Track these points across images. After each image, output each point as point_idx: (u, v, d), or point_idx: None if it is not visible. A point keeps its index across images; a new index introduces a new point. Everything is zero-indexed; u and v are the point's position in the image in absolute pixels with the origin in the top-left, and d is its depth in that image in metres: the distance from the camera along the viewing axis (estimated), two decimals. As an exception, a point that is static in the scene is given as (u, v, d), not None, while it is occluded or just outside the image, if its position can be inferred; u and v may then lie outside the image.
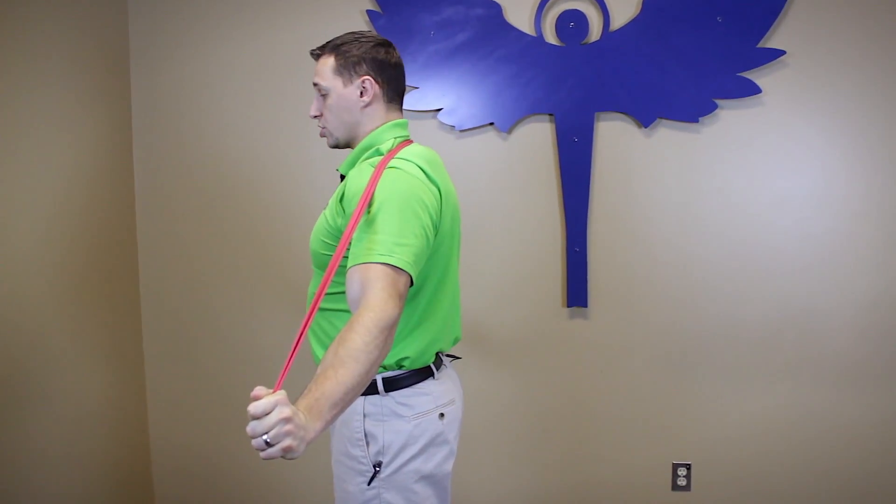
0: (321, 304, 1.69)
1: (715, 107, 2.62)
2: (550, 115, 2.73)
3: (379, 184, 1.52)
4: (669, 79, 2.64)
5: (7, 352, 2.30)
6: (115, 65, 2.87)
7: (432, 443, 1.66)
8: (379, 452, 1.64)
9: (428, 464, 1.66)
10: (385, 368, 1.66)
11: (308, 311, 1.35)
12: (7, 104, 2.30)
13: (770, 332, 2.69)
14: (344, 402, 1.26)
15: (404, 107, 1.81)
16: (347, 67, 1.68)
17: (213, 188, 2.94)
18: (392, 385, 1.66)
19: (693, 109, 2.64)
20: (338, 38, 1.71)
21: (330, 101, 1.70)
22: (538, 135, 2.75)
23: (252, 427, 1.11)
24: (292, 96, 2.87)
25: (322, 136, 1.75)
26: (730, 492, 2.77)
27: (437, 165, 1.67)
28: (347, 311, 1.64)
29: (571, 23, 2.68)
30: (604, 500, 2.85)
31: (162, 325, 3.02)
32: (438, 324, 1.70)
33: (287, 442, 1.11)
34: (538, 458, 2.85)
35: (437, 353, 1.74)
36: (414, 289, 1.62)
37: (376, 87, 1.70)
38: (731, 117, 2.64)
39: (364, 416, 1.65)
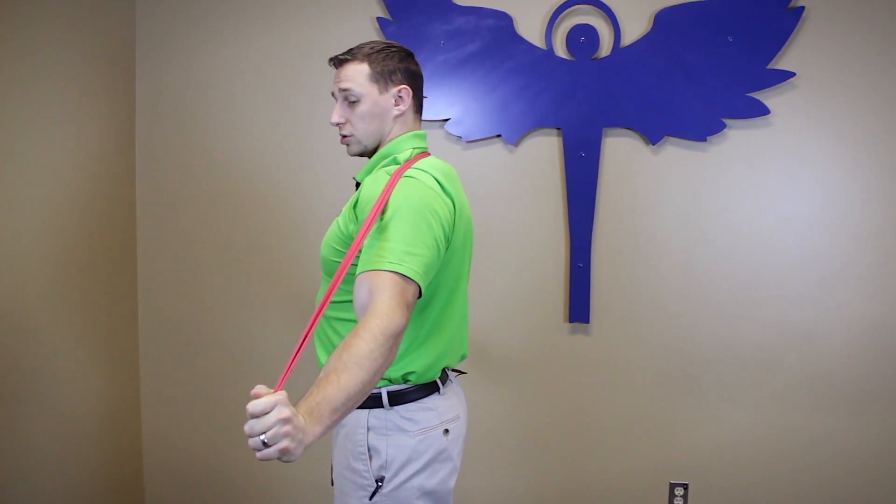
0: (327, 313, 1.67)
1: (723, 126, 2.62)
2: (558, 129, 2.72)
3: (393, 192, 1.51)
4: (678, 97, 2.63)
5: (3, 350, 2.27)
6: (119, 62, 2.84)
7: (436, 459, 1.64)
8: (382, 467, 1.61)
9: (431, 480, 1.64)
10: (390, 382, 1.64)
11: (314, 315, 1.32)
12: (8, 99, 2.28)
13: (771, 353, 2.68)
14: (345, 408, 1.24)
15: None
16: (384, 76, 1.67)
17: (215, 189, 2.92)
18: (397, 399, 1.64)
19: (701, 128, 2.63)
20: (364, 45, 1.68)
21: (362, 108, 1.67)
22: (545, 148, 2.74)
23: (250, 426, 1.08)
24: (298, 99, 2.85)
25: (345, 143, 1.72)
26: (726, 513, 2.76)
27: (453, 179, 1.66)
28: (353, 321, 1.62)
29: (582, 37, 2.67)
30: (599, 517, 2.83)
31: (159, 326, 2.99)
32: (446, 339, 1.69)
33: (285, 443, 1.09)
34: (536, 474, 2.83)
35: (443, 369, 1.72)
36: (423, 302, 1.60)
37: (410, 97, 1.69)
38: (738, 137, 2.64)
39: (368, 429, 1.63)
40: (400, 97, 1.69)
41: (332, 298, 1.65)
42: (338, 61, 1.69)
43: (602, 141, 2.69)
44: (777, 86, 2.59)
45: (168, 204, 2.95)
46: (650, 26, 2.65)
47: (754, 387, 2.69)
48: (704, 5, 2.61)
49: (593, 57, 2.68)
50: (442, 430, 1.66)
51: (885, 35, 2.54)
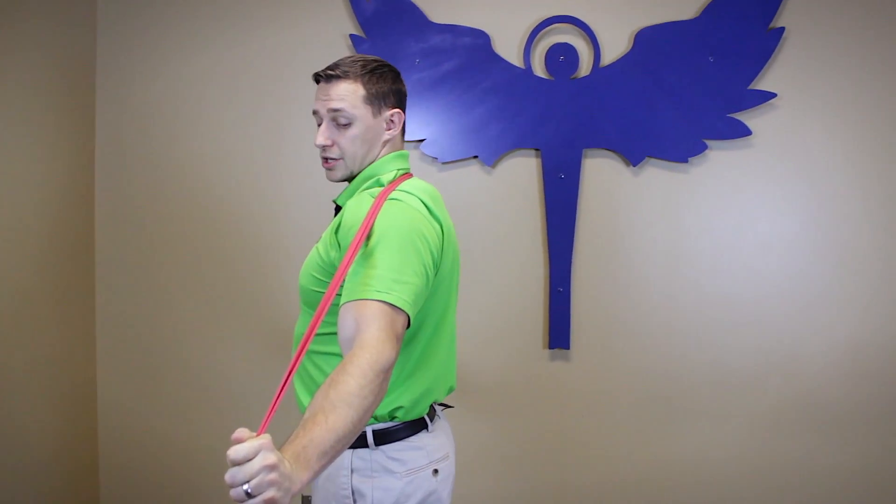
0: (309, 347, 1.56)
1: (705, 147, 2.57)
2: (537, 150, 2.65)
3: (379, 216, 1.41)
4: (659, 117, 2.59)
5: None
6: (79, 84, 2.72)
7: (425, 501, 1.53)
8: (367, 512, 1.50)
9: (421, 525, 1.53)
10: (376, 419, 1.53)
11: (296, 353, 1.21)
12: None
13: (754, 376, 2.62)
14: (334, 451, 1.12)
15: None
16: (379, 98, 1.57)
17: (180, 208, 2.80)
18: (383, 438, 1.53)
19: (683, 149, 2.59)
20: (354, 62, 1.57)
21: (354, 130, 1.56)
22: (523, 170, 2.67)
23: (231, 475, 0.97)
24: (267, 118, 2.75)
25: (328, 167, 1.61)
26: (711, 543, 2.69)
27: (439, 201, 1.56)
28: (338, 355, 1.51)
29: (561, 56, 2.61)
30: (581, 550, 2.74)
31: (119, 352, 2.84)
32: (434, 372, 1.58)
33: (270, 493, 0.97)
34: (514, 506, 2.73)
35: (430, 404, 1.62)
36: (410, 332, 1.50)
37: (402, 122, 1.61)
38: (719, 158, 2.59)
39: (352, 471, 1.52)
40: (392, 121, 1.60)
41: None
42: (326, 77, 1.57)
43: (582, 162, 2.63)
44: (758, 106, 2.55)
45: (130, 224, 2.81)
46: (630, 46, 2.60)
47: (738, 411, 2.64)
48: (685, 25, 2.57)
49: (572, 76, 2.62)
50: (431, 470, 1.55)
51: (865, 55, 2.53)
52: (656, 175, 2.62)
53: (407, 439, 1.55)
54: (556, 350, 2.68)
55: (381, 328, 1.26)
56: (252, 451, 0.98)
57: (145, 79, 2.78)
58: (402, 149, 1.65)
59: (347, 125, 1.55)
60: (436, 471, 1.55)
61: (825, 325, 2.59)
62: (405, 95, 1.65)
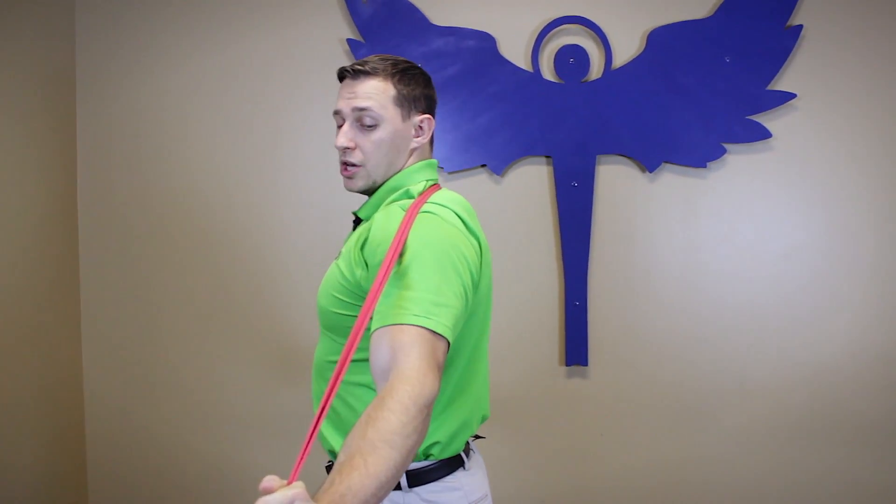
0: (329, 374, 1.40)
1: (724, 151, 2.46)
2: (548, 157, 2.53)
3: (412, 230, 1.26)
4: (675, 121, 2.47)
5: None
6: (59, 90, 2.58)
7: (464, 548, 1.38)
8: (401, 562, 1.35)
9: (460, 576, 1.38)
10: None
11: (329, 386, 1.05)
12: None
13: (779, 389, 2.51)
14: (376, 499, 0.97)
15: None
16: (409, 101, 1.42)
17: (168, 221, 2.66)
18: (417, 479, 1.38)
19: (700, 154, 2.48)
20: (384, 60, 1.42)
21: (381, 134, 1.40)
22: (534, 178, 2.54)
23: None
24: (260, 125, 2.61)
25: (348, 174, 1.45)
26: (738, 565, 2.56)
27: (473, 216, 1.42)
28: (363, 385, 1.36)
29: (571, 58, 2.49)
30: (603, 576, 2.60)
31: (106, 356, 2.69)
32: (471, 402, 1.44)
33: None
34: (532, 532, 2.59)
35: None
36: (446, 360, 1.35)
37: (432, 129, 1.46)
38: (738, 162, 2.49)
39: None
40: (421, 128, 1.45)
41: (334, 358, 1.39)
42: (353, 73, 1.41)
43: (595, 169, 2.50)
44: (777, 108, 2.45)
45: (114, 229, 2.67)
46: (643, 46, 2.49)
47: (763, 426, 2.52)
48: (699, 24, 2.47)
49: (583, 79, 2.50)
50: (470, 512, 1.40)
51: (887, 52, 2.44)
52: (673, 181, 2.50)
53: (443, 479, 1.39)
54: (573, 367, 2.55)
55: (421, 356, 1.11)
56: (285, 502, 0.83)
57: (129, 82, 2.64)
58: (430, 157, 1.51)
59: (373, 127, 1.40)
60: (475, 513, 1.41)
61: (851, 334, 2.49)
62: (435, 103, 1.51)
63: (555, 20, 2.49)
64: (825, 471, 2.51)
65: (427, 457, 1.39)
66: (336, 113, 1.44)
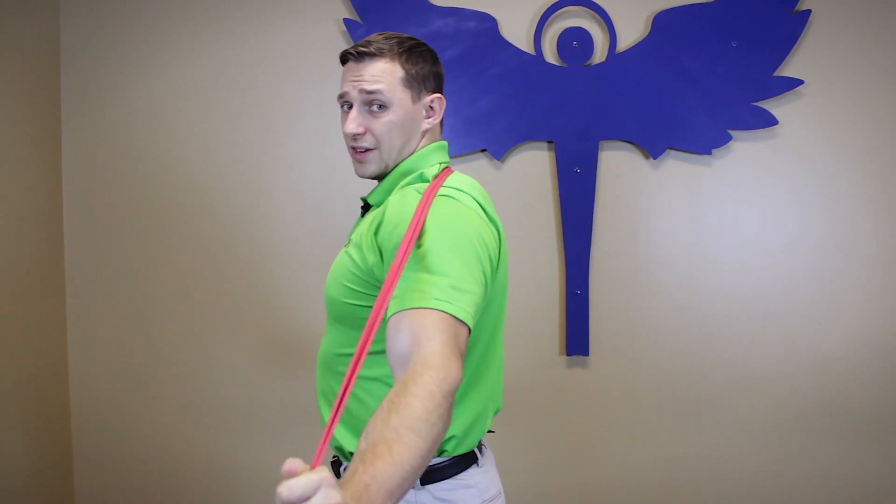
0: (339, 368, 1.34)
1: (729, 138, 2.41)
2: (550, 142, 2.47)
3: (430, 213, 1.19)
4: (680, 106, 2.42)
5: None
6: (45, 99, 2.50)
7: (478, 548, 1.33)
8: (412, 564, 1.28)
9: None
10: None
11: (345, 379, 0.99)
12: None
13: (782, 380, 2.47)
14: (401, 491, 0.90)
15: None
16: (418, 81, 1.35)
17: (160, 209, 2.56)
18: (429, 476, 1.32)
19: (705, 140, 2.43)
20: (388, 38, 1.35)
21: (392, 116, 1.33)
22: (536, 164, 2.48)
23: None
24: (253, 111, 2.53)
25: (360, 159, 1.38)
26: (738, 558, 2.53)
27: (489, 202, 1.36)
28: (374, 380, 1.29)
29: (574, 41, 2.43)
30: (601, 570, 2.56)
31: (92, 350, 2.59)
32: (486, 394, 1.38)
33: None
34: (530, 525, 2.54)
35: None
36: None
37: (442, 109, 1.40)
38: (744, 149, 2.44)
39: None
40: (432, 108, 1.39)
41: (347, 350, 1.32)
42: (358, 55, 1.34)
43: (598, 155, 2.45)
44: (784, 94, 2.40)
45: (100, 226, 2.57)
46: (648, 30, 2.43)
47: (765, 417, 2.48)
48: (705, 8, 2.41)
49: (587, 63, 2.44)
50: (483, 511, 1.35)
51: (893, 38, 2.40)
52: (678, 168, 2.45)
53: (456, 477, 1.33)
54: (573, 357, 2.49)
55: (444, 342, 1.05)
56: (311, 488, 0.75)
57: (115, 63, 2.53)
58: (441, 139, 1.45)
59: (383, 110, 1.33)
60: (488, 512, 1.35)
61: (856, 325, 2.45)
62: (443, 80, 1.44)
63: (558, 1, 2.43)
64: (828, 463, 2.48)
65: (441, 453, 1.33)
66: (341, 97, 1.37)
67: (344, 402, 0.92)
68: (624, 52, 2.44)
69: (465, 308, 1.10)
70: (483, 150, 2.48)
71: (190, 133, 2.54)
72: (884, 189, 2.42)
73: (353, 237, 1.35)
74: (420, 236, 1.17)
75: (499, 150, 2.46)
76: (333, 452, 1.42)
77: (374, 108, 1.33)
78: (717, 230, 2.46)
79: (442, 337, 1.05)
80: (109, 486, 2.62)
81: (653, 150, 2.44)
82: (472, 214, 1.24)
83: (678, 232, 2.46)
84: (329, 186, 2.52)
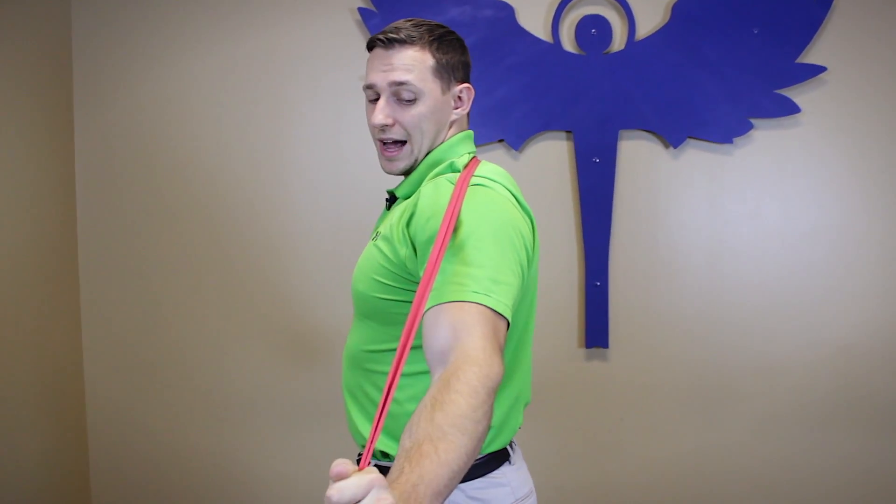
0: (368, 366, 1.32)
1: (750, 126, 2.38)
2: (568, 132, 2.43)
3: (465, 203, 1.16)
4: (701, 95, 2.38)
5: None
6: (57, 92, 2.47)
7: (511, 548, 1.30)
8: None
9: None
10: None
11: (389, 379, 0.96)
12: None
13: (803, 371, 2.44)
14: (447, 491, 0.88)
15: None
16: (449, 70, 1.32)
17: (175, 203, 2.54)
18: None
19: (726, 129, 2.39)
20: (420, 25, 1.32)
21: (421, 108, 1.30)
22: (554, 154, 2.44)
23: None
24: (267, 105, 2.49)
25: (390, 155, 1.34)
26: (759, 550, 2.51)
27: (518, 190, 1.33)
28: (402, 376, 1.26)
29: (593, 29, 2.39)
30: (621, 563, 2.54)
31: (107, 352, 2.58)
32: (517, 388, 1.35)
33: None
34: (549, 519, 2.52)
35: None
36: None
37: (471, 100, 1.37)
38: (765, 138, 2.40)
39: None
40: (460, 98, 1.36)
41: (376, 347, 1.30)
42: (387, 42, 1.30)
43: (617, 144, 2.41)
44: (806, 82, 2.36)
45: (114, 226, 2.55)
46: (667, 17, 2.39)
47: (786, 408, 2.45)
48: (726, -7, 2.37)
49: (605, 51, 2.41)
50: (517, 510, 1.32)
51: (919, 26, 2.36)
52: (698, 157, 2.42)
53: (489, 475, 1.31)
54: (593, 349, 2.47)
55: (485, 336, 1.02)
56: (362, 490, 0.73)
57: (129, 56, 2.50)
58: (468, 128, 1.42)
59: (412, 101, 1.30)
60: (522, 511, 1.33)
61: (877, 315, 2.42)
62: (471, 69, 1.41)
63: (576, -11, 2.39)
64: (848, 453, 2.45)
65: None
66: (368, 87, 1.34)
67: (388, 404, 0.90)
68: (643, 39, 2.40)
69: (503, 301, 1.08)
70: (500, 141, 2.45)
71: (203, 126, 2.51)
72: (908, 177, 2.38)
73: (382, 230, 1.31)
74: (456, 227, 1.14)
75: (516, 140, 2.43)
76: (358, 451, 1.40)
77: (404, 98, 1.29)
78: (737, 220, 2.43)
79: (482, 331, 1.03)
80: (126, 488, 2.61)
81: (673, 139, 2.40)
82: (508, 204, 1.21)
83: (698, 222, 2.43)
84: (345, 179, 2.49)
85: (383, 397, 0.90)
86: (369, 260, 1.30)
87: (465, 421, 0.92)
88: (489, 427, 0.97)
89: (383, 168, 1.37)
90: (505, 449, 1.34)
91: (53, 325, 2.45)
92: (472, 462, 0.92)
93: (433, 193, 1.21)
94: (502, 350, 1.05)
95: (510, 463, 1.34)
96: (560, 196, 2.45)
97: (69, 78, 2.52)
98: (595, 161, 2.41)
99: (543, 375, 2.46)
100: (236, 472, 2.58)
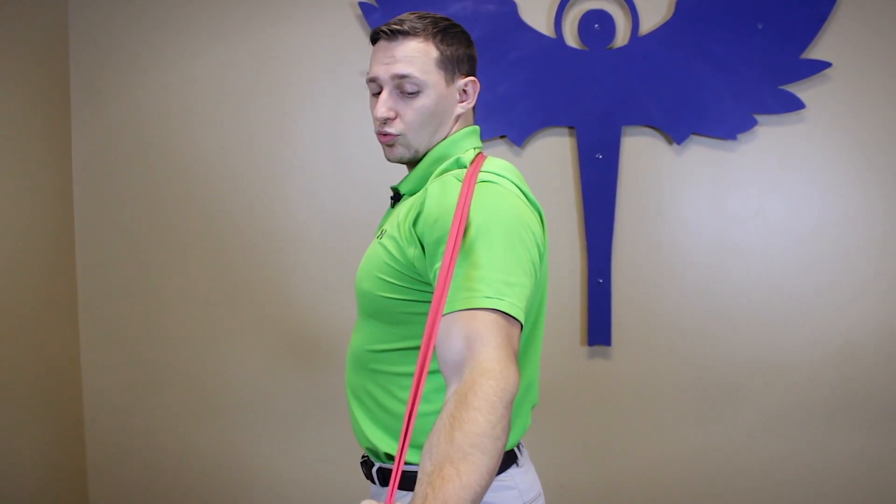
0: (375, 366, 1.29)
1: (755, 123, 2.36)
2: (571, 128, 2.41)
3: (473, 202, 1.14)
4: (705, 91, 2.36)
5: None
6: (54, 93, 2.46)
7: (521, 552, 1.28)
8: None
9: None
10: None
11: (412, 391, 0.95)
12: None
13: (808, 370, 2.42)
14: None
15: None
16: (453, 63, 1.30)
17: (171, 200, 2.51)
18: None
19: (730, 125, 2.37)
20: (424, 17, 1.30)
21: (424, 101, 1.28)
22: (556, 150, 2.43)
23: None
24: (266, 101, 2.48)
25: (387, 143, 1.33)
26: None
27: (526, 185, 1.31)
28: (408, 376, 1.25)
29: (596, 24, 2.37)
30: (623, 562, 2.53)
31: (105, 353, 2.56)
32: (525, 388, 1.33)
33: None
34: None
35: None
36: None
37: (477, 93, 1.35)
38: (769, 134, 2.39)
39: None
40: (465, 92, 1.34)
41: (381, 347, 1.28)
42: (390, 34, 1.29)
43: (621, 141, 2.39)
44: (810, 77, 2.34)
45: (112, 226, 2.53)
46: (671, 12, 2.37)
47: (791, 407, 2.44)
48: (730, -11, 2.35)
49: (609, 47, 2.39)
50: (526, 514, 1.30)
51: (924, 21, 2.34)
52: (702, 154, 2.40)
53: (496, 478, 1.29)
54: (595, 347, 2.45)
55: (499, 345, 1.00)
56: None
57: (126, 64, 2.49)
58: (473, 123, 1.40)
59: (415, 94, 1.28)
60: (531, 514, 1.31)
61: (882, 313, 2.40)
62: (477, 63, 1.39)
63: (579, -17, 2.37)
64: (853, 452, 2.43)
65: None
66: (372, 80, 1.32)
67: (411, 427, 0.90)
68: (647, 35, 2.38)
69: (516, 304, 1.06)
70: (502, 137, 2.43)
71: (201, 123, 2.49)
72: (913, 174, 2.37)
73: (388, 227, 1.29)
74: (465, 228, 1.12)
75: (518, 137, 2.41)
76: (363, 452, 1.38)
77: (407, 91, 1.27)
78: (741, 217, 2.41)
79: (497, 340, 1.01)
80: (123, 486, 2.59)
81: (676, 135, 2.38)
82: (517, 200, 1.19)
83: (702, 219, 2.41)
84: (345, 177, 2.47)
85: (405, 426, 0.90)
86: (374, 258, 1.28)
87: (484, 440, 0.91)
88: (507, 439, 0.96)
89: (385, 156, 1.36)
90: (512, 451, 1.32)
91: (50, 324, 2.43)
92: (493, 478, 0.92)
93: (440, 192, 1.19)
94: (517, 356, 1.04)
95: (518, 465, 1.33)
96: (562, 193, 2.43)
97: (66, 76, 2.49)
98: (598, 157, 2.39)
99: (545, 373, 2.44)
100: (235, 471, 2.56)
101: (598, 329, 2.43)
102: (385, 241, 1.27)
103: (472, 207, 1.13)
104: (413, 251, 1.19)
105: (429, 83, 1.28)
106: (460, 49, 1.32)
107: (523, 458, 1.35)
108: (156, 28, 2.49)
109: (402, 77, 1.27)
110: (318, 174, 2.48)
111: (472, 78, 1.34)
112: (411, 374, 1.24)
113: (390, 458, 1.29)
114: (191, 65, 2.48)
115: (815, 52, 2.35)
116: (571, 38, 2.40)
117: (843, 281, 2.40)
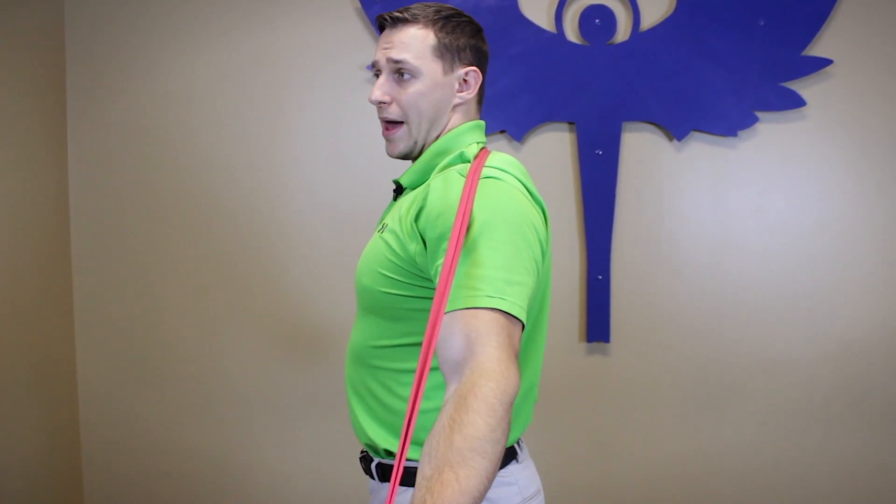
0: (373, 362, 1.28)
1: (755, 119, 2.35)
2: (571, 123, 2.40)
3: (476, 198, 1.13)
4: (705, 87, 2.35)
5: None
6: (50, 94, 2.45)
7: (519, 547, 1.28)
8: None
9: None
10: None
11: (413, 391, 0.93)
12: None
13: (807, 367, 2.42)
14: None
15: None
16: (451, 51, 1.29)
17: (169, 196, 2.49)
18: None
19: (731, 122, 2.36)
20: (426, 6, 1.30)
21: (419, 87, 1.27)
22: (556, 146, 2.41)
23: None
24: (264, 98, 2.47)
25: (389, 136, 1.31)
26: (759, 547, 2.49)
27: (530, 180, 1.29)
28: (408, 372, 1.24)
29: (597, 19, 2.36)
30: (620, 559, 2.52)
31: (101, 350, 2.54)
32: (526, 385, 1.32)
33: None
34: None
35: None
36: None
37: (478, 84, 1.33)
38: (770, 131, 2.38)
39: None
40: (465, 81, 1.32)
41: (380, 343, 1.26)
42: (392, 21, 1.28)
43: (621, 137, 2.38)
44: (812, 75, 2.34)
45: (107, 221, 2.51)
46: (672, 8, 2.36)
47: (789, 405, 2.43)
48: (732, -16, 2.34)
49: (609, 42, 2.37)
50: (525, 509, 1.29)
51: (926, 19, 2.33)
52: (702, 150, 2.39)
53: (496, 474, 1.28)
54: (594, 343, 2.44)
55: (500, 346, 1.00)
56: None
57: (122, 65, 2.48)
58: (477, 117, 1.38)
59: (410, 79, 1.27)
60: (530, 510, 1.30)
61: (882, 311, 2.40)
62: (486, 56, 1.37)
63: (580, -22, 2.36)
64: (852, 450, 2.43)
65: None
66: (374, 65, 1.31)
67: (411, 428, 0.88)
68: (648, 30, 2.37)
69: (518, 303, 1.05)
70: (502, 132, 2.42)
71: (199, 120, 2.48)
72: (913, 172, 2.36)
73: (389, 221, 1.27)
74: (468, 225, 1.11)
75: (518, 132, 2.40)
76: (362, 447, 1.37)
77: (403, 76, 1.27)
78: (741, 214, 2.40)
79: (497, 340, 1.00)
80: (119, 484, 2.58)
81: (677, 131, 2.37)
82: (520, 196, 1.18)
83: (702, 216, 2.41)
84: (344, 172, 2.46)
85: (403, 431, 0.89)
86: (375, 253, 1.26)
87: (483, 444, 0.91)
88: (507, 440, 0.95)
89: (386, 151, 1.35)
90: (513, 447, 1.31)
91: (46, 320, 2.41)
92: (493, 481, 0.92)
93: (443, 188, 1.17)
94: (517, 356, 1.03)
95: (517, 461, 1.32)
96: (562, 189, 2.42)
97: (62, 74, 2.48)
98: (598, 153, 2.38)
99: (544, 370, 2.43)
100: (232, 468, 2.55)
101: (597, 325, 2.42)
102: (386, 235, 1.25)
103: (475, 204, 1.12)
104: (415, 247, 1.18)
105: (423, 69, 1.27)
106: (462, 38, 1.30)
107: (523, 454, 1.34)
108: (151, 25, 2.47)
109: (397, 62, 1.26)
110: (317, 169, 2.47)
111: (473, 68, 1.32)
112: (411, 371, 1.22)
113: (389, 453, 1.28)
114: (188, 60, 2.47)
115: (817, 49, 2.34)
116: (572, 33, 2.39)
117: (843, 278, 2.39)
